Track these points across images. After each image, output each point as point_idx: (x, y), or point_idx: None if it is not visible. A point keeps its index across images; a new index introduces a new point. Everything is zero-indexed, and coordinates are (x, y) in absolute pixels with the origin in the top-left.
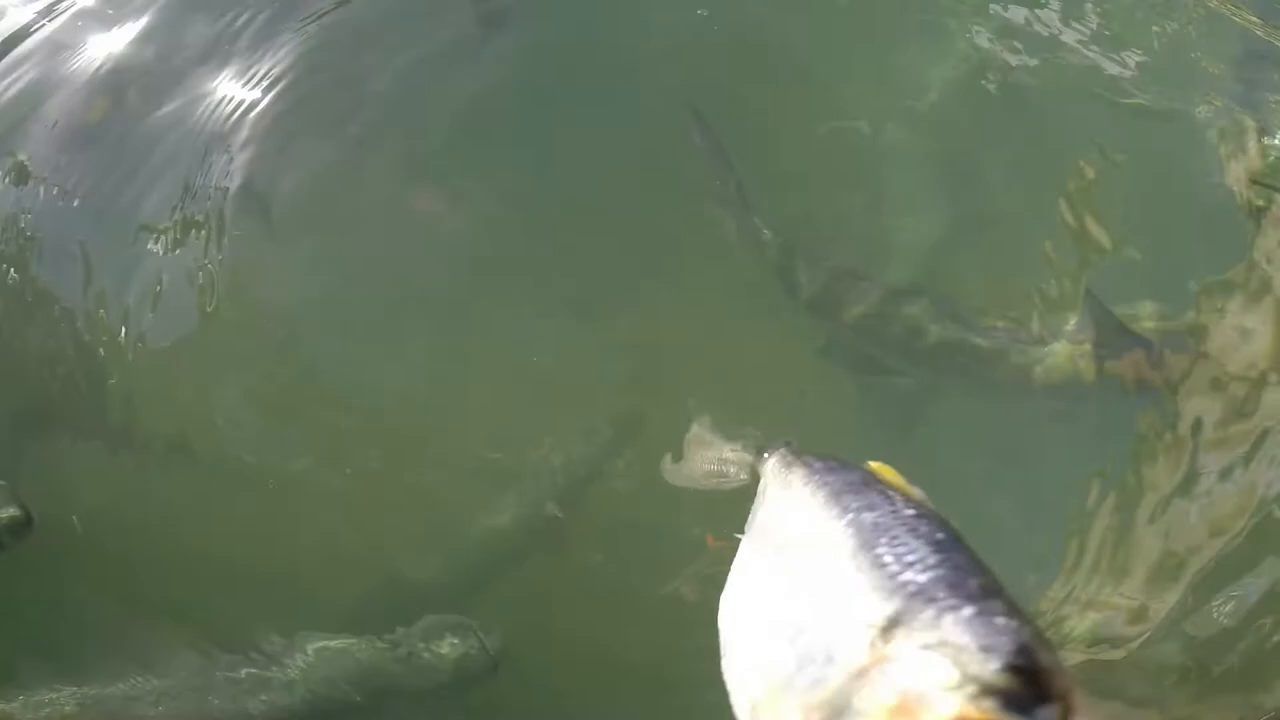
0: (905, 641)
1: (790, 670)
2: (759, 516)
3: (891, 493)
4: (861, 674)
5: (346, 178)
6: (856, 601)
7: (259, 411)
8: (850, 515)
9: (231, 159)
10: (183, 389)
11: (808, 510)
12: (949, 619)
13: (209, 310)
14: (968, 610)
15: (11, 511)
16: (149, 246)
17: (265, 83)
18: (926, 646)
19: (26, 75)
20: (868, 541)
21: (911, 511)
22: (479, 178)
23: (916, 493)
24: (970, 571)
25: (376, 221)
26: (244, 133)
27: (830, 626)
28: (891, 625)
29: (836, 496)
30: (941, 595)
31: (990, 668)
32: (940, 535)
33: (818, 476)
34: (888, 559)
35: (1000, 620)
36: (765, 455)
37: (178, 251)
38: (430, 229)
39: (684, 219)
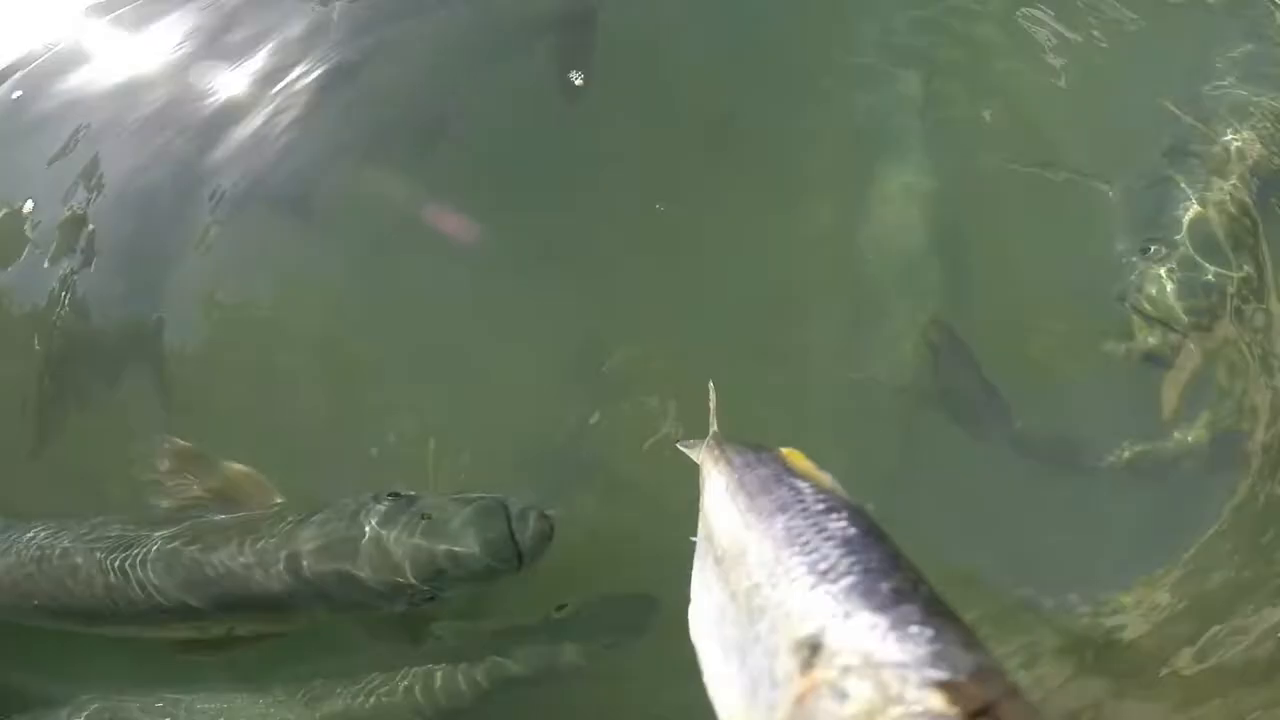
0: (828, 666)
1: (749, 692)
2: (700, 525)
3: (802, 485)
4: (801, 700)
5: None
6: (780, 624)
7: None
8: (764, 524)
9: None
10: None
11: (732, 519)
12: (864, 635)
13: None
14: (882, 623)
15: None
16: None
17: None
18: (847, 669)
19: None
20: (783, 551)
21: (820, 506)
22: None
23: (826, 479)
24: (881, 573)
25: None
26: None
27: (766, 649)
28: (814, 649)
29: (752, 500)
30: (855, 607)
31: (911, 686)
32: (851, 531)
33: (736, 477)
34: (800, 570)
35: (915, 629)
36: (694, 444)
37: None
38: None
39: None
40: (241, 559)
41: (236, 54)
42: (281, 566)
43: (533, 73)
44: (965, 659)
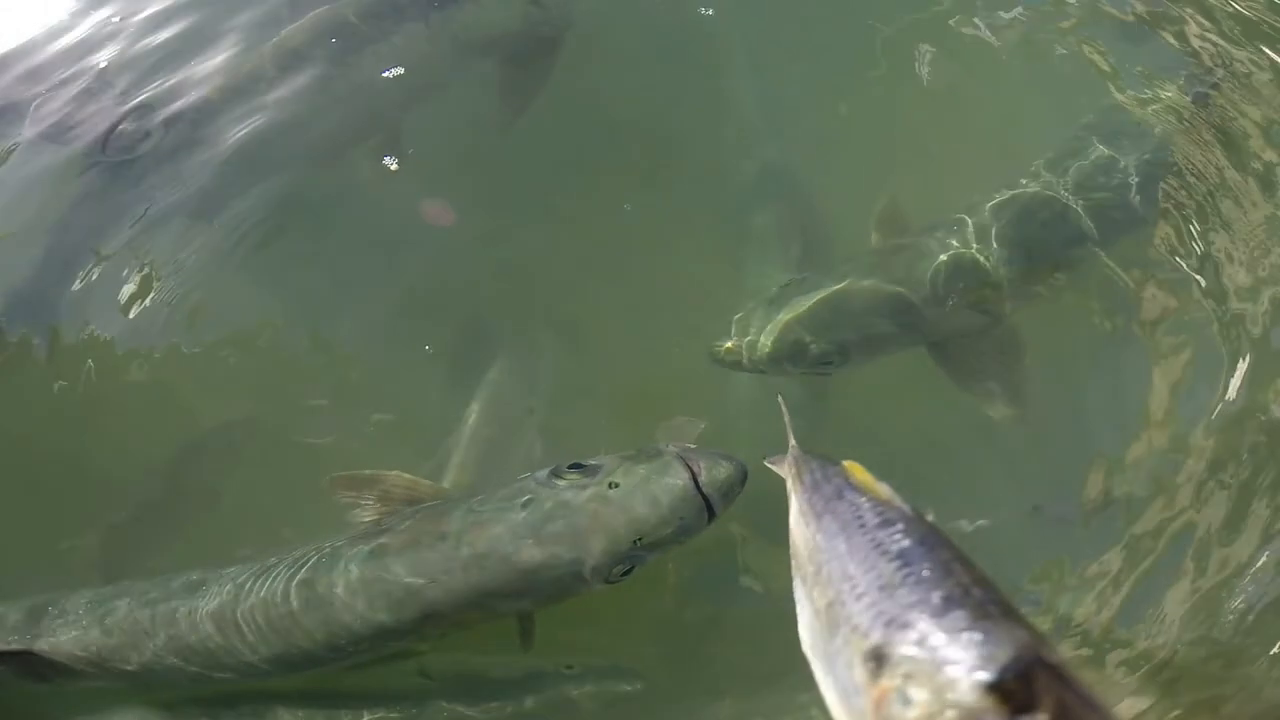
0: (893, 675)
1: (844, 699)
2: (790, 543)
3: (860, 500)
4: (878, 706)
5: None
6: (850, 639)
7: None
8: (830, 544)
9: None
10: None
11: (807, 540)
12: (918, 644)
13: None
14: (934, 631)
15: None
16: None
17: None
18: (909, 675)
19: None
20: (846, 570)
21: (877, 520)
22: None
23: (883, 491)
24: (933, 583)
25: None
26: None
27: (845, 661)
28: (879, 660)
29: (819, 520)
30: (911, 618)
31: (962, 689)
32: (905, 544)
33: (806, 497)
34: (861, 587)
35: (964, 634)
36: (779, 459)
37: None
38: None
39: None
40: (436, 559)
41: (184, 62)
42: (483, 559)
43: (488, 91)
44: (1012, 658)
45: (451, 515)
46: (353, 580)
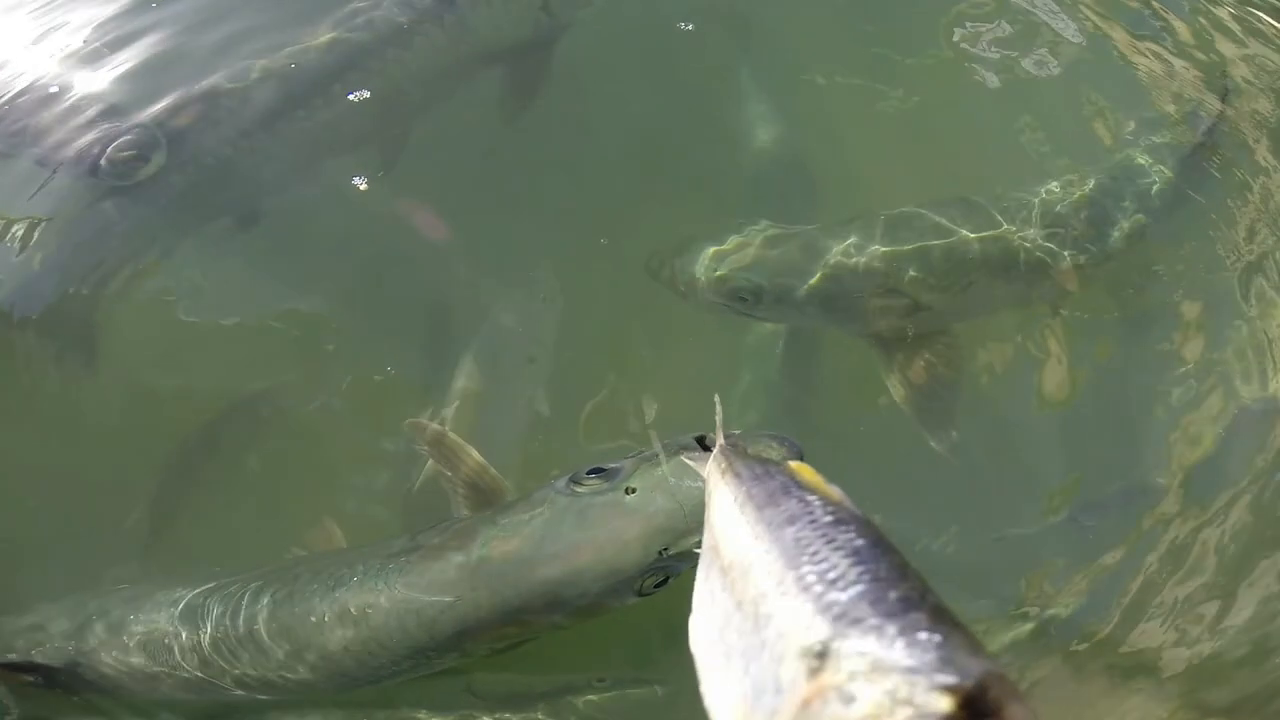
0: (837, 670)
1: (750, 698)
2: (705, 536)
3: (810, 498)
4: (806, 705)
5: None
6: (789, 630)
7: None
8: (773, 535)
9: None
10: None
11: (740, 530)
12: (873, 641)
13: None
14: (890, 629)
15: None
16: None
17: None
18: (856, 673)
19: None
20: (791, 561)
21: (829, 518)
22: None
23: (835, 493)
24: (889, 582)
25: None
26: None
27: (773, 656)
28: (823, 653)
29: (760, 511)
30: (864, 614)
31: (919, 690)
32: (859, 542)
33: (745, 489)
34: (810, 578)
35: (922, 635)
36: (700, 457)
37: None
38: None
39: None
40: (461, 576)
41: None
42: (505, 575)
43: (490, 93)
44: (971, 664)
45: (475, 531)
46: (382, 602)
